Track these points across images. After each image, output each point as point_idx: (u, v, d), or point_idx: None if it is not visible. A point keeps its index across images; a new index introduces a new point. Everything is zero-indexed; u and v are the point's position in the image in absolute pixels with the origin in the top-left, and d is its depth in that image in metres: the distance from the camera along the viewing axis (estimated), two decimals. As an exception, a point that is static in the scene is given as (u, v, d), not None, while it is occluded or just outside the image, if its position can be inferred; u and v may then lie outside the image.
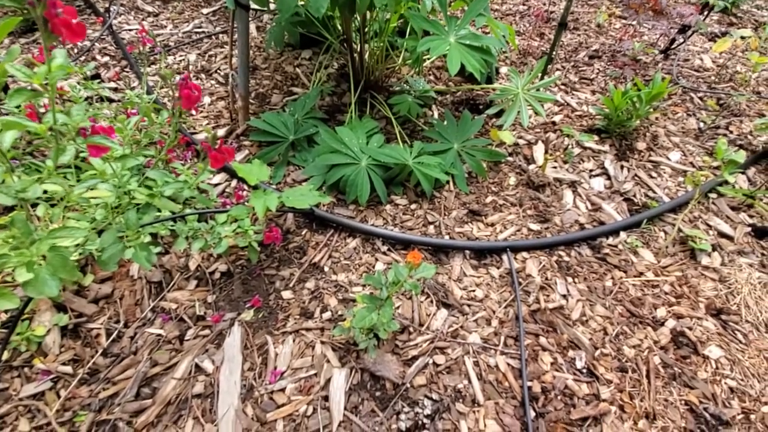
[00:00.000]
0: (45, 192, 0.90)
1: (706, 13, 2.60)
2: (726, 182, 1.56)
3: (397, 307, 1.22)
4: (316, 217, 1.42)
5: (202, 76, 2.00)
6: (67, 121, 0.60)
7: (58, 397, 0.99)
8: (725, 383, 1.09)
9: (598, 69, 2.26)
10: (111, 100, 1.73)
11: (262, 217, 1.14)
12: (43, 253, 0.64)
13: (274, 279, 1.28)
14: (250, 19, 2.02)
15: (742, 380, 1.10)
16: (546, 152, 1.74)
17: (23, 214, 0.68)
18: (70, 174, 1.03)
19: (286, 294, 1.24)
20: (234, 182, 1.55)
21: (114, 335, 1.11)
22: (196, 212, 1.16)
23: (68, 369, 1.04)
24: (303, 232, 1.41)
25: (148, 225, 0.91)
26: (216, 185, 1.54)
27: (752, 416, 1.03)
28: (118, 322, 1.14)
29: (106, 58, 2.03)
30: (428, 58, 1.95)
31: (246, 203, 1.29)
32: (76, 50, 2.02)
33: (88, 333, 1.11)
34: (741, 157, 1.45)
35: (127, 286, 1.21)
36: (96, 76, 1.89)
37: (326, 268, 1.31)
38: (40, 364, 1.03)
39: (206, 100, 1.87)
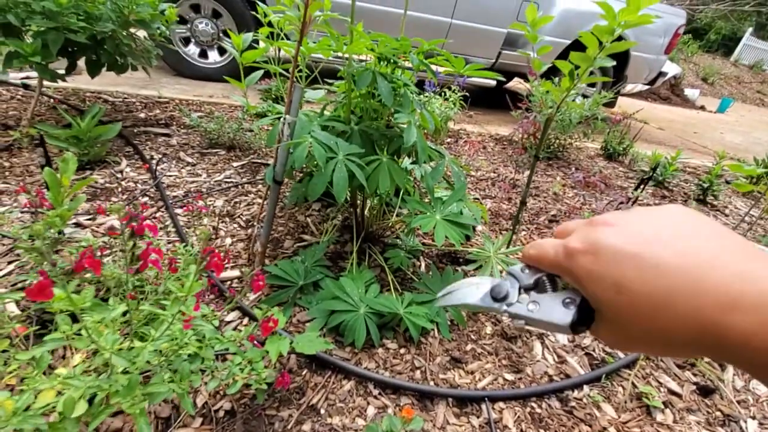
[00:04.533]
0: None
1: (642, 186, 3.24)
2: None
3: (386, 455, 1.32)
4: (317, 359, 1.60)
5: (227, 219, 2.35)
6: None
7: None
8: None
9: (557, 231, 2.72)
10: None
11: (274, 360, 1.32)
12: None
13: (273, 420, 1.39)
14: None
15: None
16: (517, 305, 2.02)
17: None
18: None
19: (285, 436, 1.34)
20: (245, 320, 1.75)
21: (118, 474, 1.17)
22: (218, 353, 1.34)
23: None
24: (303, 372, 1.56)
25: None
26: (228, 323, 1.73)
27: None
28: (124, 460, 1.21)
29: (146, 198, 2.40)
30: (417, 218, 2.37)
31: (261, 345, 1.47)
32: (125, 195, 2.40)
33: (94, 471, 1.17)
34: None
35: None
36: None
37: (322, 411, 1.44)
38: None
39: (227, 241, 2.18)
